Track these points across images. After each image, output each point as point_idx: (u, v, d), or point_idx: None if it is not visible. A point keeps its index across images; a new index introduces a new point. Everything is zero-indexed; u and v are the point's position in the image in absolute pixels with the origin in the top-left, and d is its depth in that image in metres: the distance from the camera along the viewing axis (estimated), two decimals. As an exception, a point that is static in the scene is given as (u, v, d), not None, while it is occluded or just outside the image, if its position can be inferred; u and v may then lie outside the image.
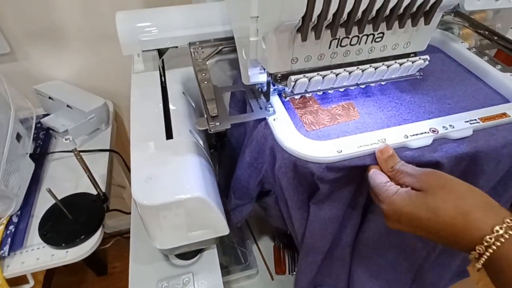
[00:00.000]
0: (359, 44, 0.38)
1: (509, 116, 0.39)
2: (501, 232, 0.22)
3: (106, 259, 1.30)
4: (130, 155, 0.42)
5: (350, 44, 0.38)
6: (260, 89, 0.44)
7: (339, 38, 0.37)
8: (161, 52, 0.55)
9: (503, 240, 0.22)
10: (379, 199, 0.31)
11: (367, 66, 0.40)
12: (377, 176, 0.32)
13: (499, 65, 0.46)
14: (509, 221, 0.23)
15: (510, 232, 0.22)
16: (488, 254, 0.23)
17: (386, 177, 0.32)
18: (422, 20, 0.38)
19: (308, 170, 0.36)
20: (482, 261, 0.23)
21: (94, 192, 0.65)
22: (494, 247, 0.22)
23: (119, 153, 0.84)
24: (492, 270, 0.23)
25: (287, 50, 0.36)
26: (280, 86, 0.41)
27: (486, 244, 0.23)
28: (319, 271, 0.50)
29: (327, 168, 0.35)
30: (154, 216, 0.40)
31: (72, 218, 0.62)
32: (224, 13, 0.53)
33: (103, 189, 0.66)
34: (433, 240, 0.27)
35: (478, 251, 0.23)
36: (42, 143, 0.78)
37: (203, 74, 0.46)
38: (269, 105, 0.42)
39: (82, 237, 0.59)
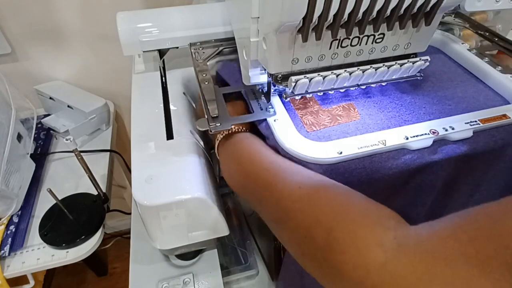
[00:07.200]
0: (360, 45, 0.38)
1: (509, 118, 0.39)
2: (220, 137, 0.43)
3: (107, 259, 1.30)
4: (131, 155, 0.43)
5: (351, 45, 0.38)
6: (260, 90, 0.44)
7: (339, 39, 0.37)
8: (162, 53, 0.55)
9: (217, 141, 0.43)
10: None
11: (367, 66, 0.40)
12: None
13: (499, 66, 0.46)
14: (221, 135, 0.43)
15: (218, 141, 0.43)
16: (216, 145, 0.44)
17: None
18: (422, 21, 0.38)
19: (308, 171, 0.36)
20: (216, 149, 0.44)
21: (95, 192, 0.65)
22: (217, 142, 0.44)
23: (120, 154, 0.84)
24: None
25: (287, 51, 0.36)
26: (281, 87, 0.41)
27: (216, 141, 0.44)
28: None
29: (327, 169, 0.35)
30: (154, 216, 0.40)
31: (73, 218, 0.62)
32: (224, 14, 0.53)
33: (104, 190, 0.66)
34: None
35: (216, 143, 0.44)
36: (43, 143, 0.79)
37: (204, 75, 0.46)
38: (270, 106, 0.42)
39: (83, 237, 0.59)
